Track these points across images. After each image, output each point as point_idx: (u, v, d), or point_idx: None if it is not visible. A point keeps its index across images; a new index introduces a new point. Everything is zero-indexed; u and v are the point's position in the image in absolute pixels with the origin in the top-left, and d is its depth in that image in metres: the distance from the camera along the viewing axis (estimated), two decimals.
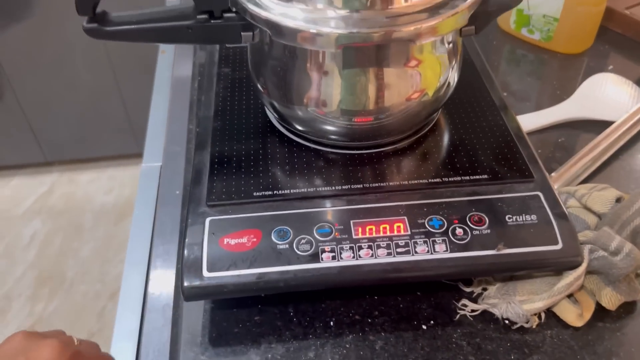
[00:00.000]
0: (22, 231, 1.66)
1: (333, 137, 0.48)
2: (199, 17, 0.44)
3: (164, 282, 0.46)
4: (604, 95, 0.59)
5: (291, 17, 0.40)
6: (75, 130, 1.74)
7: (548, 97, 0.62)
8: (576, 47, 0.68)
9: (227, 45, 0.60)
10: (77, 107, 1.68)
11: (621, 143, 0.54)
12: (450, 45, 0.46)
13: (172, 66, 0.71)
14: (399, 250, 0.40)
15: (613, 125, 0.55)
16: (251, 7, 0.41)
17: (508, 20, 0.70)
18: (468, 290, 0.43)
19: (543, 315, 0.42)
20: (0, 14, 1.47)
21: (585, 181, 0.52)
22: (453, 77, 0.47)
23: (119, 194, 1.78)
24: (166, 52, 0.74)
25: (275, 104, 0.48)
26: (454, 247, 0.40)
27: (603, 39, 0.70)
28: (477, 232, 0.41)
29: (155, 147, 0.61)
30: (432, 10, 0.41)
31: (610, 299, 0.41)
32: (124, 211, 1.72)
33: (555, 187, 0.49)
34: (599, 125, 0.56)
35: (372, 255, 0.40)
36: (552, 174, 0.51)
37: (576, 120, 0.58)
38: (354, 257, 0.40)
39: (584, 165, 0.52)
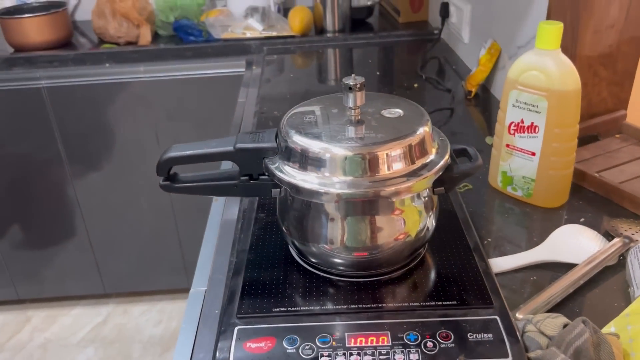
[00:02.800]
0: (76, 358, 1.79)
1: (338, 267, 0.62)
2: (242, 178, 0.62)
3: None
4: (571, 242, 0.71)
5: (306, 180, 0.57)
6: (134, 266, 1.93)
7: (527, 243, 0.74)
8: (553, 202, 0.81)
9: (269, 198, 0.77)
10: (139, 245, 1.89)
11: (581, 282, 0.65)
12: (427, 200, 0.60)
13: (222, 211, 0.88)
14: (381, 357, 0.52)
15: (575, 268, 0.66)
16: (278, 173, 0.58)
17: (496, 180, 0.85)
18: None
19: None
20: (86, 164, 1.75)
21: (550, 311, 0.62)
22: (431, 223, 0.62)
23: (166, 326, 1.91)
24: (218, 201, 0.92)
25: (295, 242, 0.63)
26: (424, 357, 0.51)
27: (578, 196, 0.83)
28: (444, 346, 0.52)
29: (202, 275, 0.76)
30: (408, 176, 0.56)
31: None
32: (170, 343, 1.83)
33: (521, 316, 0.60)
34: (566, 267, 0.68)
35: None
36: (521, 305, 0.62)
37: (547, 262, 0.70)
38: None
39: (548, 298, 0.62)
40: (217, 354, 0.53)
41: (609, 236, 0.73)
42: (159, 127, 1.68)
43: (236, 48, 1.63)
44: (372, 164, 0.55)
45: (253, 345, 0.53)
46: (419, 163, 0.57)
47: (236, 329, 0.55)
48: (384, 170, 0.56)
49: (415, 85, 1.32)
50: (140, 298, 2.01)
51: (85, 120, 1.68)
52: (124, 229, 1.86)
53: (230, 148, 0.60)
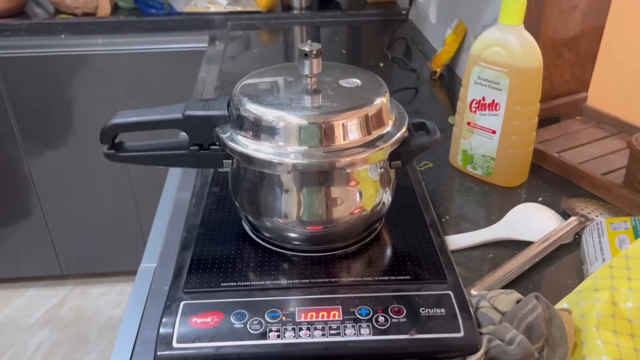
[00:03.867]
0: (30, 340, 1.73)
1: (292, 242, 0.60)
2: (191, 147, 0.59)
3: (145, 359, 0.55)
4: (528, 220, 0.71)
5: (259, 150, 0.54)
6: (92, 246, 1.88)
7: (485, 221, 0.74)
8: (512, 181, 0.80)
9: (218, 169, 0.74)
10: (97, 225, 1.84)
11: (537, 259, 0.65)
12: (383, 173, 0.59)
13: (177, 186, 0.85)
14: (331, 332, 0.50)
15: (531, 246, 0.66)
16: (229, 143, 0.55)
17: (456, 159, 0.84)
18: None
19: None
20: (40, 140, 1.68)
21: (505, 287, 0.61)
22: (387, 198, 0.60)
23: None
24: (173, 175, 0.89)
25: (248, 216, 0.61)
26: (375, 331, 0.50)
27: (538, 175, 0.83)
28: (396, 320, 0.51)
29: (153, 251, 0.73)
30: (363, 147, 0.54)
31: None
32: None
33: (476, 292, 0.59)
34: (523, 245, 0.67)
35: (309, 336, 0.50)
36: (476, 282, 0.61)
37: (503, 240, 0.69)
38: (295, 336, 0.50)
39: (503, 275, 0.62)
40: (161, 330, 0.51)
41: (566, 215, 0.73)
42: (118, 103, 1.63)
43: (199, 22, 1.58)
44: (327, 134, 0.53)
45: (199, 321, 0.51)
46: (375, 134, 0.55)
47: (182, 303, 0.53)
48: (339, 140, 0.54)
49: (381, 64, 1.31)
50: (99, 279, 1.96)
51: (40, 95, 1.61)
52: (81, 209, 1.80)
53: (179, 115, 0.57)
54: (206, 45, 1.53)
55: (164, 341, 0.50)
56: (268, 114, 0.54)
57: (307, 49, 0.55)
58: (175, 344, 0.50)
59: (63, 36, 1.56)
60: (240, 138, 0.56)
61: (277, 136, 0.54)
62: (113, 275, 1.97)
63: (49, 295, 1.90)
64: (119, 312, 1.85)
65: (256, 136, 0.55)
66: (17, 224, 1.81)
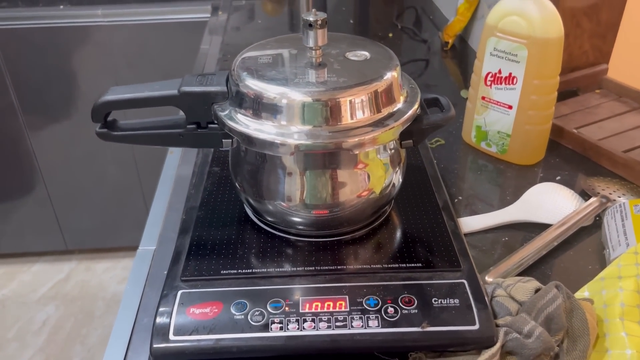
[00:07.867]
0: (36, 316, 1.73)
1: (297, 226, 0.56)
2: (188, 126, 0.55)
3: (142, 349, 0.53)
4: (545, 201, 0.67)
5: (260, 130, 0.50)
6: (97, 222, 1.86)
7: (500, 202, 0.70)
8: (529, 159, 0.76)
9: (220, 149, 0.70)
10: (101, 200, 1.81)
11: (555, 244, 0.61)
12: (393, 153, 0.55)
13: (178, 165, 0.81)
14: (337, 324, 0.47)
15: (549, 229, 0.62)
16: (228, 122, 0.52)
17: (470, 135, 0.80)
18: None
19: None
20: (41, 114, 1.65)
21: (522, 274, 0.58)
22: (397, 179, 0.56)
23: None
24: (173, 153, 0.86)
25: (249, 199, 0.57)
26: (385, 323, 0.47)
27: (555, 153, 0.79)
28: (406, 312, 0.48)
29: (152, 233, 0.70)
30: (372, 126, 0.50)
31: None
32: None
33: (491, 279, 0.56)
34: (540, 228, 0.64)
35: (314, 328, 0.47)
36: (491, 268, 0.58)
37: (520, 223, 0.65)
38: (298, 328, 0.47)
39: (519, 261, 0.58)
40: (157, 320, 0.48)
41: (585, 195, 0.69)
42: (119, 76, 1.58)
43: None
44: (333, 112, 0.49)
45: (197, 311, 0.48)
46: (385, 112, 0.51)
47: (179, 292, 0.50)
48: (346, 119, 0.50)
49: (390, 34, 1.25)
50: (103, 255, 1.95)
51: (39, 67, 1.56)
52: (84, 183, 1.78)
53: (174, 92, 0.53)
54: (208, 15, 1.48)
55: (160, 333, 0.47)
56: (269, 90, 0.50)
57: (311, 18, 0.51)
58: (172, 337, 0.47)
59: (62, 7, 1.51)
60: (239, 116, 0.52)
61: (279, 114, 0.50)
62: (118, 251, 1.95)
63: (55, 271, 1.90)
64: (124, 288, 1.84)
65: (257, 114, 0.51)
66: (21, 199, 1.79)
